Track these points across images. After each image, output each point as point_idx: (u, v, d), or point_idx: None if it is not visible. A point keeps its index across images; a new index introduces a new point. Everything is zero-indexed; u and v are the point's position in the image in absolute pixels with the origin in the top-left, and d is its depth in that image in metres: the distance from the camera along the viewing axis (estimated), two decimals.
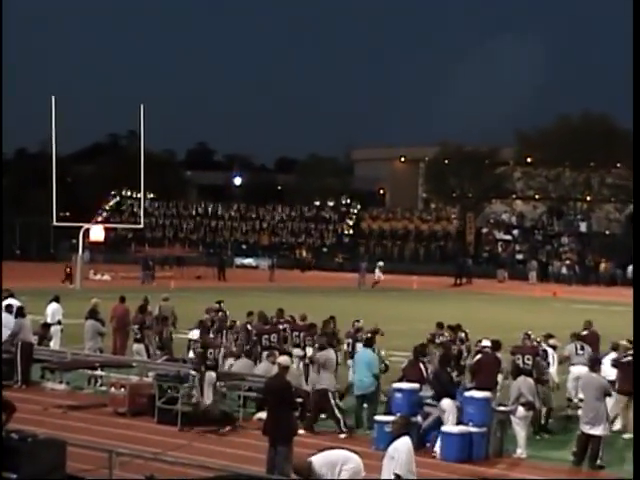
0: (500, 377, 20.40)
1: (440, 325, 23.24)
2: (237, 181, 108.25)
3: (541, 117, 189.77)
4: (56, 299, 27.46)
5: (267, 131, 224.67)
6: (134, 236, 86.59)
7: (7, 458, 11.95)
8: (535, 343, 21.45)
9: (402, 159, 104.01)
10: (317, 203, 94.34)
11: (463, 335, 22.62)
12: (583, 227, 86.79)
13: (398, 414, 15.79)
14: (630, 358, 20.47)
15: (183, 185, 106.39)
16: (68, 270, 57.60)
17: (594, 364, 18.58)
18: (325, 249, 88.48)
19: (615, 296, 60.43)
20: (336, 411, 19.53)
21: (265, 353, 21.87)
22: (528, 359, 20.02)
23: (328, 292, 57.55)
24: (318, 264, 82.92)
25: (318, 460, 12.58)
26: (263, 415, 17.44)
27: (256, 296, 47.15)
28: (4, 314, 24.56)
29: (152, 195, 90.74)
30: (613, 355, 21.18)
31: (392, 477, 12.11)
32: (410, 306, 51.08)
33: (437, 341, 22.00)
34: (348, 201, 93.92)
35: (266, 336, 22.79)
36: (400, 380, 19.60)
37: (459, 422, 18.26)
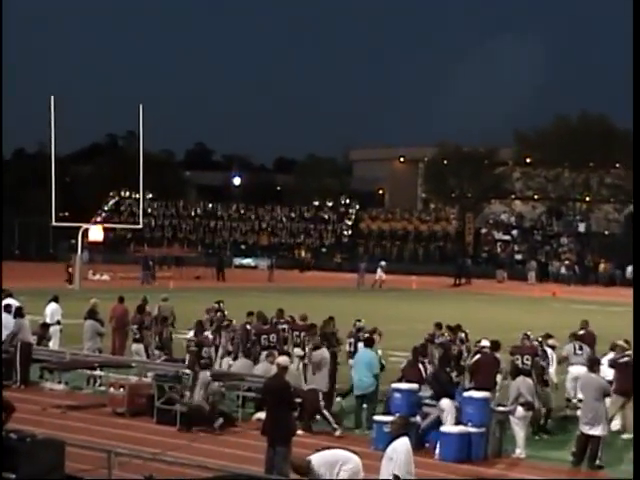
0: (499, 377, 20.40)
1: (439, 325, 23.22)
2: (236, 181, 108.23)
3: (540, 117, 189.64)
4: (55, 299, 27.45)
5: (266, 131, 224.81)
6: (133, 236, 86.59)
7: (6, 458, 11.95)
8: (536, 343, 21.47)
9: (401, 159, 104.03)
10: (316, 203, 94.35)
11: (463, 335, 22.60)
12: (582, 227, 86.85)
13: (397, 414, 15.78)
14: (627, 359, 20.49)
15: (182, 185, 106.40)
16: (70, 270, 57.49)
17: (593, 364, 18.58)
18: (324, 249, 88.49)
19: (614, 296, 60.48)
20: (324, 411, 19.53)
21: (264, 353, 21.87)
22: (527, 359, 20.05)
23: (327, 292, 57.55)
24: (317, 264, 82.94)
25: (317, 459, 12.57)
26: (262, 415, 17.43)
27: (255, 296, 47.15)
28: (3, 314, 24.54)
29: (151, 195, 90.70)
30: (611, 355, 21.18)
31: (390, 478, 12.10)
32: (409, 306, 51.09)
33: (437, 341, 21.98)
34: (347, 201, 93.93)
35: (265, 336, 22.80)
36: (399, 380, 19.60)
37: (458, 422, 18.26)
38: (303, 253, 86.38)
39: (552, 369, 21.54)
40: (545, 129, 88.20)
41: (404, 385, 19.20)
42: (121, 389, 20.98)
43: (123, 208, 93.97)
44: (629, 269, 74.04)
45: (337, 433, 19.21)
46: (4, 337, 23.73)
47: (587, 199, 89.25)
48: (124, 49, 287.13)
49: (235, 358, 23.39)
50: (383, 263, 67.37)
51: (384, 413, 18.93)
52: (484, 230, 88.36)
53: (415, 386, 19.15)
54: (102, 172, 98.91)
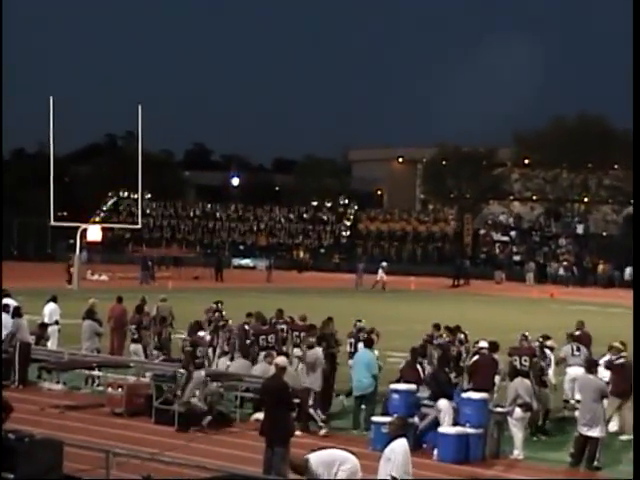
0: (497, 378, 20.42)
1: (437, 326, 23.23)
2: (235, 181, 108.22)
3: (539, 118, 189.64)
4: (54, 299, 27.46)
5: (265, 131, 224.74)
6: (132, 236, 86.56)
7: (4, 458, 11.94)
8: (536, 344, 21.51)
9: (400, 160, 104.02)
10: (315, 204, 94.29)
11: (462, 336, 22.61)
12: (580, 229, 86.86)
13: (395, 415, 15.79)
14: (623, 360, 20.50)
15: (181, 185, 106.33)
16: (71, 270, 57.35)
17: (591, 366, 18.60)
18: (323, 250, 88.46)
19: (612, 298, 60.49)
20: (311, 410, 19.52)
21: (262, 354, 21.88)
22: (525, 360, 20.07)
23: (325, 293, 57.56)
24: (315, 265, 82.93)
25: (315, 458, 12.59)
26: (260, 416, 17.44)
27: (253, 297, 47.16)
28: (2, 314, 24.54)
29: (150, 195, 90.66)
30: (608, 357, 21.17)
31: (388, 478, 12.11)
32: (408, 307, 51.10)
33: (435, 342, 21.99)
34: (346, 201, 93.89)
35: (263, 337, 22.80)
36: (397, 381, 19.61)
37: (456, 423, 18.28)
38: (302, 254, 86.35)
39: (551, 370, 21.56)
40: (544, 130, 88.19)
41: (402, 386, 19.22)
42: (119, 389, 20.99)
43: (122, 208, 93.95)
44: (627, 270, 74.10)
45: (321, 432, 19.20)
46: (2, 337, 23.73)
47: (585, 200, 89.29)
48: (124, 49, 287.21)
49: (232, 358, 23.42)
50: (384, 264, 67.30)
51: (382, 414, 18.95)
52: (482, 231, 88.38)
53: (413, 387, 19.16)
54: (101, 172, 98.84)
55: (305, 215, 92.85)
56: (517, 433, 18.47)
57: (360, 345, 21.80)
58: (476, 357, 20.43)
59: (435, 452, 17.92)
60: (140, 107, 55.86)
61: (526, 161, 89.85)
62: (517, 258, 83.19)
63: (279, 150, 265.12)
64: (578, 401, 19.73)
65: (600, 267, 76.66)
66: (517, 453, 18.33)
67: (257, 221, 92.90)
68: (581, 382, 18.70)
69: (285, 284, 63.93)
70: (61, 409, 20.98)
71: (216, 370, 22.58)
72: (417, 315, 41.29)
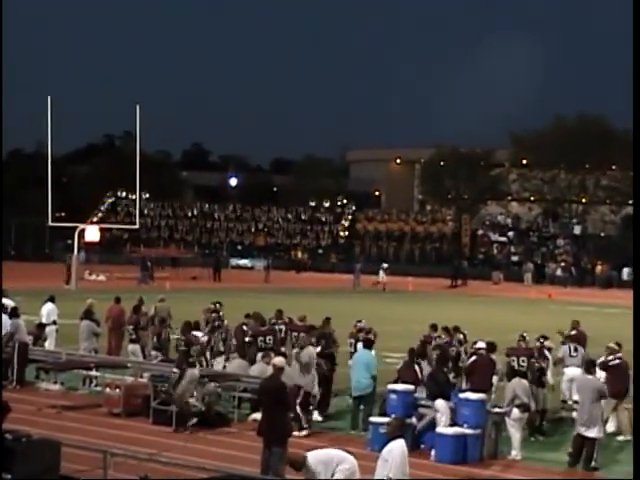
0: (495, 379, 20.42)
1: (434, 327, 23.24)
2: (233, 182, 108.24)
3: (539, 118, 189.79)
4: (51, 299, 27.45)
5: (264, 132, 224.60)
6: (129, 237, 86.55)
7: (1, 459, 11.93)
8: (538, 344, 21.53)
9: (397, 161, 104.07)
10: (312, 204, 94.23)
11: (462, 337, 22.61)
12: (578, 229, 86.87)
13: (393, 415, 15.79)
14: (618, 361, 20.50)
15: (179, 186, 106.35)
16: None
17: (589, 366, 18.61)
18: (320, 250, 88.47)
19: (611, 298, 60.53)
20: (298, 409, 19.48)
21: (260, 354, 21.87)
22: (523, 361, 20.07)
23: (323, 293, 57.55)
24: (313, 265, 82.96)
25: (314, 457, 12.61)
26: (258, 416, 17.43)
27: (251, 297, 47.13)
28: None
29: (148, 195, 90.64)
30: (610, 358, 21.13)
31: (385, 479, 12.12)
32: (405, 307, 51.11)
33: (434, 343, 21.98)
34: (344, 201, 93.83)
35: (261, 337, 22.79)
36: (395, 381, 19.60)
37: (453, 423, 18.28)
38: (300, 254, 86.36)
39: (549, 370, 21.58)
40: (541, 130, 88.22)
41: (400, 386, 19.21)
42: (117, 389, 20.98)
43: (120, 208, 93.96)
44: (625, 270, 74.13)
45: (302, 433, 19.14)
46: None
47: (583, 201, 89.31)
48: (124, 49, 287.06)
49: (227, 359, 23.44)
50: (385, 265, 67.33)
51: (380, 414, 18.95)
52: (480, 231, 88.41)
53: (411, 387, 19.16)
54: (99, 172, 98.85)
55: (303, 215, 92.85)
56: (515, 433, 18.47)
57: (360, 345, 21.79)
58: (474, 357, 20.44)
59: (433, 452, 17.92)
60: (138, 107, 55.88)
61: (524, 162, 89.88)
62: (515, 258, 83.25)
63: (278, 150, 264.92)
64: (576, 401, 19.75)
65: (598, 268, 76.69)
66: (515, 453, 18.33)
67: (255, 221, 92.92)
68: (579, 382, 18.71)
69: (283, 284, 63.93)
70: (58, 409, 20.96)
71: (214, 370, 22.58)
72: (415, 316, 41.27)
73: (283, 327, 23.75)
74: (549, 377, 21.39)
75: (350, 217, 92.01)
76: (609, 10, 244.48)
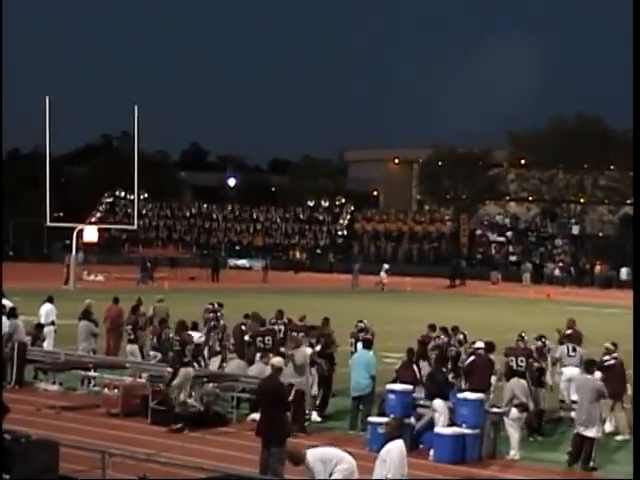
0: (493, 379, 20.43)
1: (432, 327, 23.24)
2: (231, 182, 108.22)
3: (539, 118, 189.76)
4: (50, 300, 27.45)
5: (264, 132, 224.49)
6: (128, 237, 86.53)
7: (0, 459, 11.93)
8: (539, 344, 21.56)
9: (396, 161, 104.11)
10: (311, 204, 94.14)
11: (462, 337, 22.61)
12: (576, 229, 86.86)
13: (391, 415, 15.79)
14: (614, 361, 20.49)
15: (177, 186, 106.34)
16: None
17: (589, 366, 18.61)
18: (319, 250, 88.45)
19: (609, 298, 60.54)
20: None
21: (258, 354, 21.87)
22: (522, 361, 20.06)
23: (322, 293, 57.55)
24: (312, 265, 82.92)
25: (313, 454, 12.63)
26: (256, 416, 17.43)
27: (250, 297, 47.11)
28: None
29: (146, 195, 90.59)
30: (606, 358, 21.14)
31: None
32: (403, 307, 51.11)
33: (433, 343, 21.97)
34: (342, 201, 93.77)
35: (260, 338, 22.78)
36: (393, 381, 19.60)
37: (452, 423, 18.28)
38: (298, 254, 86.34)
39: (548, 371, 21.61)
40: (540, 130, 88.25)
41: (398, 386, 19.20)
42: (115, 390, 20.98)
43: (118, 209, 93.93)
44: (623, 270, 74.14)
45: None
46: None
47: (581, 201, 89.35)
48: (124, 49, 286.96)
49: (223, 359, 23.45)
50: (386, 266, 67.33)
51: (379, 414, 18.95)
52: (479, 231, 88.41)
53: (409, 387, 19.15)
54: (97, 173, 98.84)
55: (301, 215, 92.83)
56: (513, 433, 18.47)
57: (360, 345, 21.77)
58: (472, 357, 20.44)
59: (431, 452, 17.92)
60: (136, 107, 55.81)
61: (522, 161, 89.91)
62: (513, 258, 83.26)
63: (277, 151, 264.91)
64: (574, 401, 19.75)
65: (597, 267, 76.67)
66: (513, 453, 18.33)
67: (253, 222, 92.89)
68: (578, 382, 18.72)
69: (281, 284, 63.94)
70: (57, 410, 20.95)
71: (212, 370, 22.59)
72: (413, 316, 41.28)
73: (282, 327, 23.74)
74: (548, 377, 21.43)
75: (348, 217, 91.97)
76: (609, 10, 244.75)
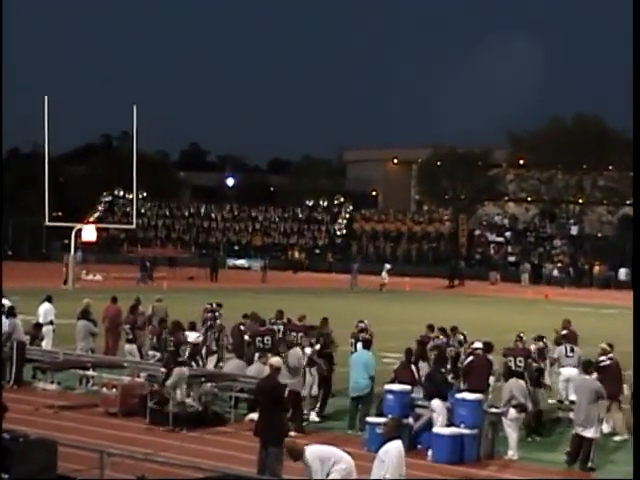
0: (492, 379, 20.44)
1: (431, 327, 23.24)
2: (230, 182, 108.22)
3: (539, 119, 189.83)
4: (48, 299, 27.44)
5: (264, 132, 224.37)
6: (126, 236, 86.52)
7: None
8: (541, 344, 21.57)
9: (395, 161, 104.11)
10: (310, 204, 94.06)
11: (462, 337, 22.61)
12: (575, 230, 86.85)
13: (390, 416, 15.80)
14: (609, 362, 20.50)
15: (176, 186, 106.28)
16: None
17: (587, 367, 18.62)
18: (317, 250, 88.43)
19: (608, 299, 60.53)
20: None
21: (257, 354, 21.87)
22: (520, 361, 20.07)
23: (320, 293, 57.54)
24: (310, 265, 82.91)
25: (312, 452, 12.66)
26: (255, 416, 17.44)
27: (248, 297, 47.12)
28: None
29: (145, 195, 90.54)
30: (602, 358, 21.15)
31: None
32: (402, 308, 51.11)
33: (432, 343, 21.97)
34: (341, 200, 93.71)
35: (259, 338, 22.77)
36: (392, 382, 19.61)
37: (451, 424, 18.29)
38: (297, 254, 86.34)
39: (546, 371, 21.63)
40: (539, 131, 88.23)
41: (397, 386, 19.21)
42: (114, 389, 20.99)
43: (117, 208, 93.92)
44: (622, 271, 74.14)
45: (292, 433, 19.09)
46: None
47: (580, 201, 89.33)
48: (124, 49, 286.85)
49: (219, 359, 23.45)
50: (388, 266, 67.34)
51: (377, 414, 18.96)
52: (477, 232, 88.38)
53: (408, 387, 19.16)
54: (96, 172, 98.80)
55: (300, 215, 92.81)
56: (511, 434, 18.48)
57: (360, 345, 21.77)
58: (471, 358, 20.45)
59: (430, 453, 17.93)
60: (135, 107, 55.82)
61: (521, 162, 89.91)
62: (512, 259, 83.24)
63: (277, 151, 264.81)
64: (572, 402, 19.76)
65: (596, 268, 76.65)
66: (511, 454, 18.35)
67: (252, 221, 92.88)
68: (577, 383, 18.73)
69: (280, 284, 63.93)
70: (55, 409, 20.96)
71: (210, 370, 22.60)
72: (412, 316, 41.29)
73: (281, 327, 23.73)
74: (546, 377, 21.45)
75: (347, 217, 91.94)
76: (609, 10, 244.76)
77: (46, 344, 26.03)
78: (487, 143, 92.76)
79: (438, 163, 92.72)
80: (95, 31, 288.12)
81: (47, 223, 58.72)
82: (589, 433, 17.44)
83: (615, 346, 21.53)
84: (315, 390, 21.52)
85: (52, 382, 23.63)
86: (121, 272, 64.94)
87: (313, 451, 12.70)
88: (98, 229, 67.65)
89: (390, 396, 19.03)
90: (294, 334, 22.97)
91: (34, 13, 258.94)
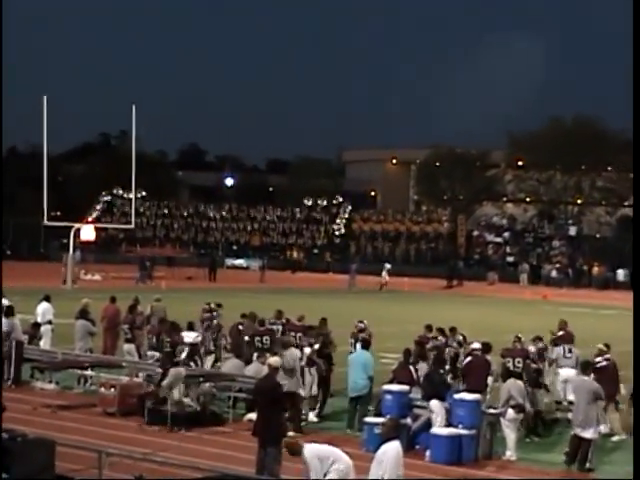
0: (490, 379, 20.43)
1: (429, 327, 23.25)
2: (228, 182, 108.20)
3: (539, 119, 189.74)
4: (47, 299, 27.43)
5: (264, 132, 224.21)
6: (125, 236, 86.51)
7: None
8: (541, 345, 21.57)
9: (393, 161, 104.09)
10: (309, 203, 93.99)
11: (461, 338, 22.61)
12: (573, 230, 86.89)
13: (388, 416, 15.80)
14: (605, 363, 20.50)
15: (175, 185, 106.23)
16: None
17: (586, 368, 18.62)
18: (316, 250, 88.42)
19: (606, 300, 60.54)
20: None
21: (255, 354, 21.87)
22: (518, 362, 20.10)
23: (319, 293, 57.54)
24: (309, 265, 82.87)
25: (310, 450, 12.69)
26: (253, 416, 17.44)
27: (247, 297, 47.11)
28: None
29: (144, 193, 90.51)
30: (598, 359, 21.14)
31: None
32: (401, 308, 51.10)
33: (431, 344, 21.97)
34: (340, 200, 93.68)
35: (258, 338, 22.77)
36: (390, 382, 19.61)
37: (449, 424, 18.29)
38: (295, 254, 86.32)
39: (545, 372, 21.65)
40: (537, 131, 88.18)
41: (395, 387, 19.22)
42: (112, 389, 20.98)
43: (115, 208, 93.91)
44: (620, 272, 74.14)
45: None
46: None
47: (579, 202, 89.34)
48: (124, 49, 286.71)
49: (216, 359, 23.45)
50: (388, 265, 67.35)
51: (375, 415, 18.96)
52: (476, 232, 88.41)
53: (406, 388, 19.16)
54: (94, 172, 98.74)
55: (299, 215, 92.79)
56: (510, 434, 18.49)
57: (359, 346, 21.76)
58: (469, 358, 20.45)
59: (428, 453, 17.93)
60: (134, 107, 55.86)
61: (519, 162, 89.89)
62: (510, 259, 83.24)
63: (277, 151, 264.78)
64: (570, 402, 19.77)
65: (595, 269, 76.63)
66: (510, 454, 18.35)
67: (251, 221, 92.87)
68: (576, 384, 18.72)
69: (278, 284, 63.92)
70: (54, 409, 20.96)
71: (209, 370, 22.60)
72: (410, 316, 41.28)
73: (280, 327, 23.73)
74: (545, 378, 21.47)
75: (346, 217, 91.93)
76: (609, 10, 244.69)
77: (44, 344, 26.01)
78: (487, 143, 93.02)
79: (437, 163, 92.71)
80: (95, 31, 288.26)
81: (46, 223, 58.72)
82: (587, 434, 17.44)
83: (614, 346, 21.56)
84: (315, 390, 21.52)
85: (50, 382, 23.62)
86: (120, 272, 64.92)
87: (312, 449, 12.72)
88: (97, 229, 67.65)
89: (388, 396, 19.03)
90: (293, 334, 23.00)
91: (34, 13, 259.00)
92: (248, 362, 21.94)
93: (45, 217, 56.42)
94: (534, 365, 20.68)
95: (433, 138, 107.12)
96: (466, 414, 18.17)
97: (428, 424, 18.46)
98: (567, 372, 21.64)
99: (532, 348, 21.60)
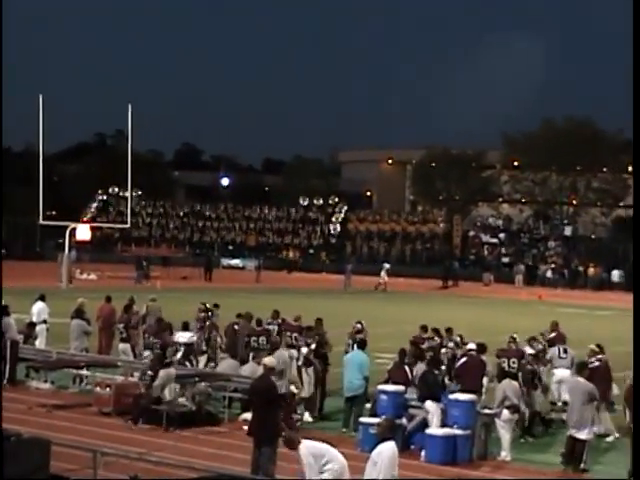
0: (485, 380, 20.44)
1: (424, 328, 23.26)
2: (224, 182, 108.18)
3: (536, 119, 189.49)
4: (42, 298, 27.42)
5: (262, 132, 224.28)
6: (121, 235, 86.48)
7: None
8: (540, 346, 21.58)
9: (389, 161, 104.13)
10: (304, 203, 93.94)
11: (458, 339, 22.60)
12: (569, 231, 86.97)
13: (383, 416, 15.80)
14: (598, 363, 20.51)
15: (170, 185, 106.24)
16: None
17: (580, 368, 18.62)
18: (312, 250, 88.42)
19: (602, 300, 60.60)
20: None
21: (251, 354, 21.87)
22: (514, 362, 20.11)
23: (314, 294, 57.53)
24: (305, 265, 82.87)
25: (306, 447, 12.73)
26: (248, 416, 17.44)
27: (242, 297, 47.10)
28: None
29: (139, 194, 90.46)
30: (591, 360, 21.14)
31: None
32: (396, 308, 51.09)
33: (426, 344, 21.98)
34: (336, 200, 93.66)
35: (255, 338, 22.77)
36: (385, 382, 19.61)
37: (444, 424, 18.30)
38: (291, 254, 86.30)
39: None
40: (533, 132, 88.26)
41: (390, 387, 19.22)
42: (107, 389, 20.97)
43: (111, 207, 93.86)
44: (614, 273, 74.21)
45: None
46: None
47: (574, 203, 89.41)
48: (124, 49, 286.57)
49: (209, 359, 23.45)
50: (387, 265, 67.35)
51: (370, 415, 18.96)
52: (471, 233, 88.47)
53: (401, 388, 19.16)
54: (90, 171, 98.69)
55: (294, 215, 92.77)
56: (505, 435, 18.50)
57: (355, 346, 21.76)
58: (464, 359, 20.46)
59: (423, 453, 17.93)
60: (130, 106, 55.77)
61: (515, 163, 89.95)
62: (506, 260, 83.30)
63: (274, 151, 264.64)
64: (565, 403, 19.78)
65: (591, 270, 76.70)
66: (504, 455, 18.36)
67: (246, 221, 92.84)
68: (570, 385, 18.73)
69: (274, 284, 63.91)
70: (49, 408, 20.94)
71: (204, 370, 22.60)
72: (406, 316, 41.31)
73: (276, 327, 23.73)
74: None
75: (342, 217, 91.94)
76: (609, 10, 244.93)
77: (39, 343, 25.99)
78: (486, 143, 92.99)
79: (432, 164, 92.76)
80: (95, 31, 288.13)
81: (41, 222, 58.64)
82: (582, 435, 17.45)
83: (609, 347, 21.59)
84: (312, 390, 21.51)
85: (45, 381, 23.60)
86: (115, 271, 64.89)
87: (308, 446, 12.75)
88: (92, 228, 67.63)
89: (384, 396, 19.03)
90: (289, 334, 23.01)
91: (34, 13, 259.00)
92: (244, 362, 21.95)
93: (41, 216, 56.31)
94: (529, 366, 20.69)
95: (433, 138, 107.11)
96: (461, 414, 18.19)
97: (423, 424, 18.47)
98: (562, 373, 21.66)
99: (528, 349, 21.60)
